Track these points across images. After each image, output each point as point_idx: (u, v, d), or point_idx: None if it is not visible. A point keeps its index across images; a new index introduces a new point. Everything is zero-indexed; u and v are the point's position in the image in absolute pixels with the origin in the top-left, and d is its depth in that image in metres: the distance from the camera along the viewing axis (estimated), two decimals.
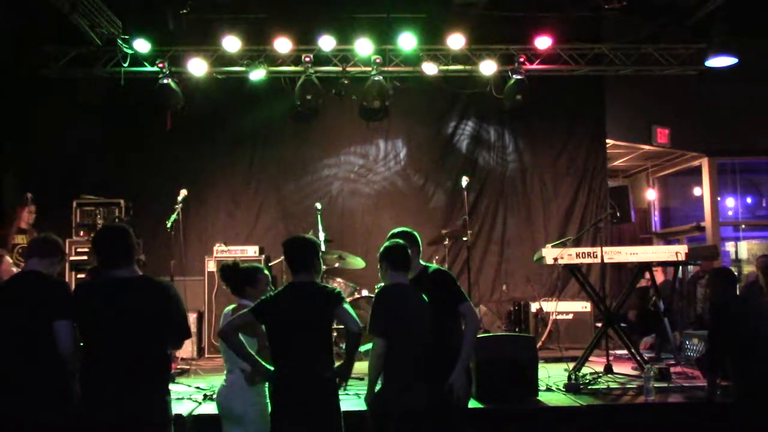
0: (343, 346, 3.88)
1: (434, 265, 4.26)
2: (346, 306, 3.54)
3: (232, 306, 4.11)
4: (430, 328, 3.75)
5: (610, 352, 6.69)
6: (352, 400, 5.20)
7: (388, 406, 3.64)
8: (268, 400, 3.76)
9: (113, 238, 3.44)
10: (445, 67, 8.71)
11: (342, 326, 4.02)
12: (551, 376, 6.01)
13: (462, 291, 4.05)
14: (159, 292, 3.36)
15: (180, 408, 4.99)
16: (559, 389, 5.78)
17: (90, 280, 3.65)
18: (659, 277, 8.28)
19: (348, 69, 8.74)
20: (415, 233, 4.16)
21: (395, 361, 3.62)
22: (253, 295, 3.97)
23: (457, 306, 3.92)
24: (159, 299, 3.33)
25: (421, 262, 4.22)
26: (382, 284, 3.92)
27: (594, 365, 6.34)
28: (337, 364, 3.63)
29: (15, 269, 4.92)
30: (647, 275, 7.27)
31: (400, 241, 3.92)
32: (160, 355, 3.37)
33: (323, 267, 7.31)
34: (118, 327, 3.24)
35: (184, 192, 7.12)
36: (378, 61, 8.47)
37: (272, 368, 3.56)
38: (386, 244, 3.92)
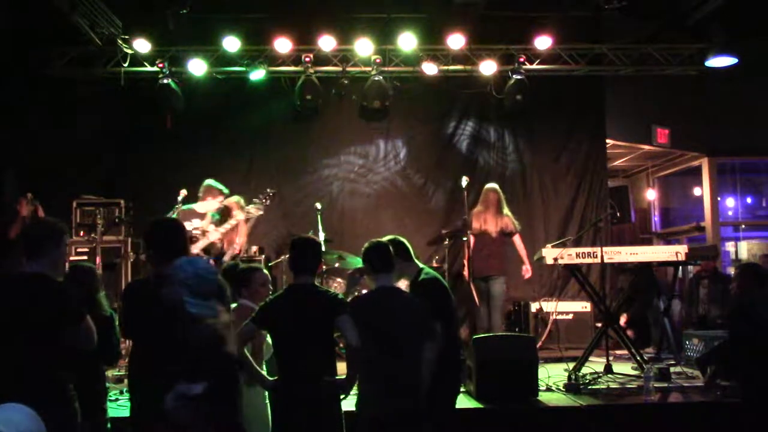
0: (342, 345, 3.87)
1: (430, 270, 4.24)
2: (350, 317, 3.51)
3: (233, 305, 4.11)
4: (419, 329, 3.73)
5: (610, 352, 6.69)
6: (352, 399, 5.18)
7: (366, 411, 3.64)
8: (267, 401, 3.77)
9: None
10: (445, 67, 8.69)
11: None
12: (551, 376, 6.01)
13: (441, 308, 3.99)
14: None
15: None
16: (559, 389, 5.78)
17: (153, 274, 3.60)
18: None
19: (348, 69, 8.73)
20: (401, 239, 4.14)
21: (370, 365, 3.60)
22: (249, 296, 4.00)
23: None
24: None
25: (419, 264, 4.22)
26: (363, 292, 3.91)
27: (594, 365, 6.34)
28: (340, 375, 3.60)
29: None
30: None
31: (382, 240, 3.90)
32: None
33: (323, 267, 7.33)
34: None
35: (184, 192, 7.10)
36: (378, 61, 8.46)
37: (276, 378, 3.55)
38: (366, 245, 3.89)
